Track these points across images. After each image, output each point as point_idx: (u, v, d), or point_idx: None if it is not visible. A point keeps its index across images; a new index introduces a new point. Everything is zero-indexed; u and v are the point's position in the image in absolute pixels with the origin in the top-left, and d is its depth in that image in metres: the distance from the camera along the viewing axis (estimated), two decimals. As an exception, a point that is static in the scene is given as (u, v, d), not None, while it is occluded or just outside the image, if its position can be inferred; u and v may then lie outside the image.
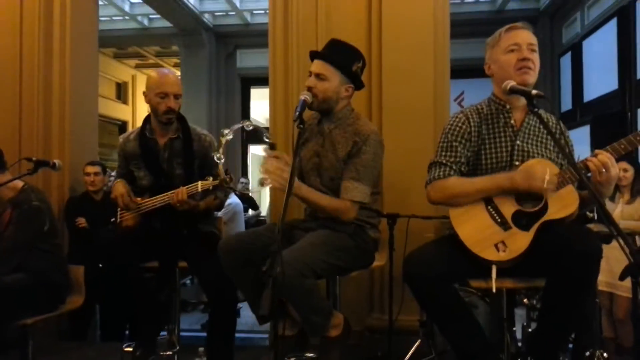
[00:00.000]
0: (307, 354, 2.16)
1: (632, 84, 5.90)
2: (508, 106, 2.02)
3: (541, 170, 1.83)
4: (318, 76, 2.17)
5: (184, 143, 2.59)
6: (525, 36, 1.98)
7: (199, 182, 2.40)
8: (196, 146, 2.62)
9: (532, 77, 1.94)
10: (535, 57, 1.97)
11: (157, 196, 2.51)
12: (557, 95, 8.10)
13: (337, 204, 2.13)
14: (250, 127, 2.47)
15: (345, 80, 2.21)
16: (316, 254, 1.98)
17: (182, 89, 2.63)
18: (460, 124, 2.03)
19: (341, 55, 2.21)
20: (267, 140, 2.48)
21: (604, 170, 1.78)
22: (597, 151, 1.81)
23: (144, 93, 2.58)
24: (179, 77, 2.71)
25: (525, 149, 1.98)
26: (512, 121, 2.01)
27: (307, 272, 1.90)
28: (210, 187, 2.41)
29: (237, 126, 2.46)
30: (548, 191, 1.83)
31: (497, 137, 2.01)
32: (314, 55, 2.24)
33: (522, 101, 1.99)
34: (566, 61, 7.82)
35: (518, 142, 1.98)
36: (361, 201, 2.13)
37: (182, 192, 2.39)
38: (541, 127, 2.00)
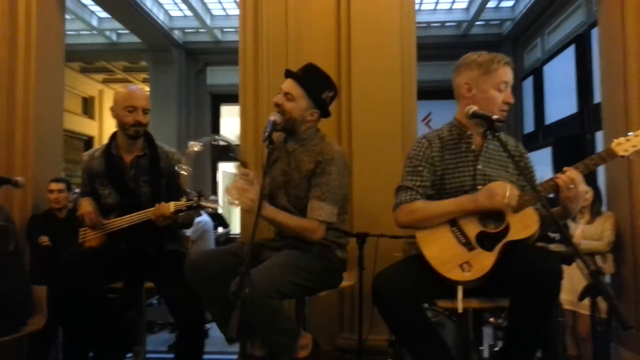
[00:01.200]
0: (277, 376, 2.14)
1: (590, 107, 6.15)
2: (469, 132, 2.08)
3: (501, 188, 1.88)
4: (287, 95, 2.20)
5: (150, 161, 2.57)
6: (511, 77, 2.05)
7: (172, 203, 2.36)
8: (163, 164, 2.60)
9: None
10: None
11: (133, 214, 2.45)
12: (520, 118, 8.37)
13: (305, 223, 2.14)
14: (222, 143, 2.44)
15: (312, 105, 2.22)
16: (282, 274, 1.97)
17: (152, 105, 2.61)
18: (423, 149, 2.08)
19: (314, 81, 2.23)
20: (238, 159, 2.46)
21: (572, 186, 1.85)
22: (565, 168, 1.89)
23: (111, 108, 2.55)
24: (148, 93, 2.68)
25: (487, 172, 2.03)
26: (473, 146, 2.07)
27: (272, 293, 1.89)
28: (184, 208, 2.37)
29: (206, 139, 2.42)
30: (509, 207, 1.88)
31: (459, 162, 2.06)
32: (288, 74, 2.27)
33: (482, 126, 2.06)
34: (528, 85, 8.11)
35: (479, 166, 2.04)
36: (327, 220, 2.14)
37: (164, 206, 2.34)
38: (500, 151, 2.06)
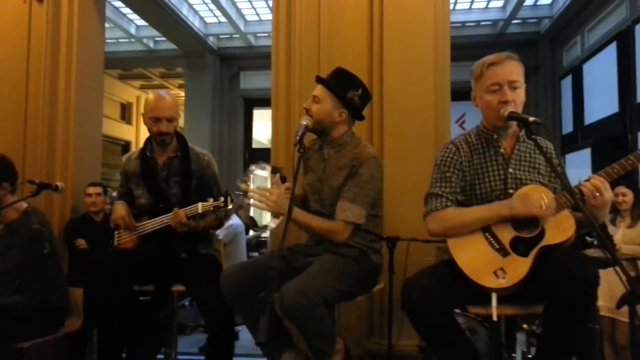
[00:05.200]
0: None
1: (633, 107, 5.93)
2: (496, 136, 2.04)
3: (538, 196, 1.84)
4: (314, 98, 2.25)
5: (182, 162, 2.62)
6: (506, 72, 1.95)
7: (199, 204, 2.41)
8: (194, 165, 2.64)
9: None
10: (518, 93, 1.96)
11: (156, 218, 2.52)
12: (558, 118, 8.13)
13: (329, 225, 2.15)
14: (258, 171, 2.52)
15: (338, 105, 2.25)
16: (327, 281, 1.98)
17: (187, 110, 2.67)
18: (451, 155, 2.05)
19: (338, 82, 2.28)
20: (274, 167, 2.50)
21: (597, 194, 1.80)
22: (590, 176, 1.84)
23: (142, 114, 2.63)
24: (176, 99, 2.72)
25: (518, 176, 1.99)
26: (502, 150, 2.03)
27: (319, 301, 1.89)
28: (211, 208, 2.42)
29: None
30: (547, 215, 1.84)
31: (489, 166, 2.02)
32: (318, 81, 2.32)
33: (511, 130, 2.02)
34: (567, 84, 7.88)
35: (510, 169, 2.00)
36: (355, 222, 2.14)
37: (179, 213, 2.41)
38: (532, 152, 2.03)
